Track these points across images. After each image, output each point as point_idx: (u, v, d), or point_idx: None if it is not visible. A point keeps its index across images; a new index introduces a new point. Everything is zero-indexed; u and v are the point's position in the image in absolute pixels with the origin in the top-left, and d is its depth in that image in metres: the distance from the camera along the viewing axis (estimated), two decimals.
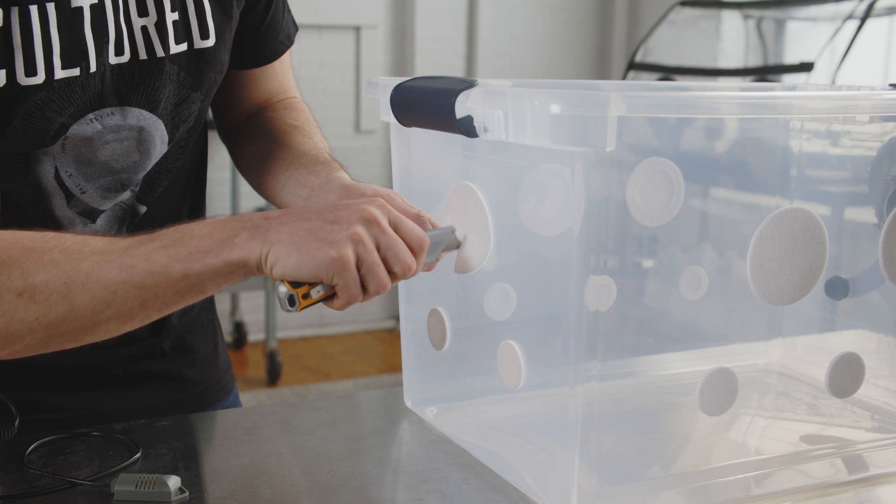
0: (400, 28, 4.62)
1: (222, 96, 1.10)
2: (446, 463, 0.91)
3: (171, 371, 1.10)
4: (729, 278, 0.86)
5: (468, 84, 0.80)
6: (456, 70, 4.64)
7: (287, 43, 1.10)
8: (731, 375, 0.82)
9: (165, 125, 0.96)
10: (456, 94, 0.80)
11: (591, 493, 0.79)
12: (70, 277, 0.73)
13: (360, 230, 0.73)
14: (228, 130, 1.13)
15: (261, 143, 1.05)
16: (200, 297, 0.76)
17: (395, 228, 0.76)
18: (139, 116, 0.93)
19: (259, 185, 1.05)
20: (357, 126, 4.57)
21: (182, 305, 0.76)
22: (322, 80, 4.45)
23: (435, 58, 4.60)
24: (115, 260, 0.74)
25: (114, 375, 1.05)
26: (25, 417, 0.97)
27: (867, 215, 0.92)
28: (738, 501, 0.84)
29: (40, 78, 0.85)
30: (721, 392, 0.82)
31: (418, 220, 0.84)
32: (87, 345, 1.02)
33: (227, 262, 0.73)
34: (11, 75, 0.83)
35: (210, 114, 1.11)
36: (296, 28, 1.12)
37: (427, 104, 0.84)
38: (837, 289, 0.93)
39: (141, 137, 0.94)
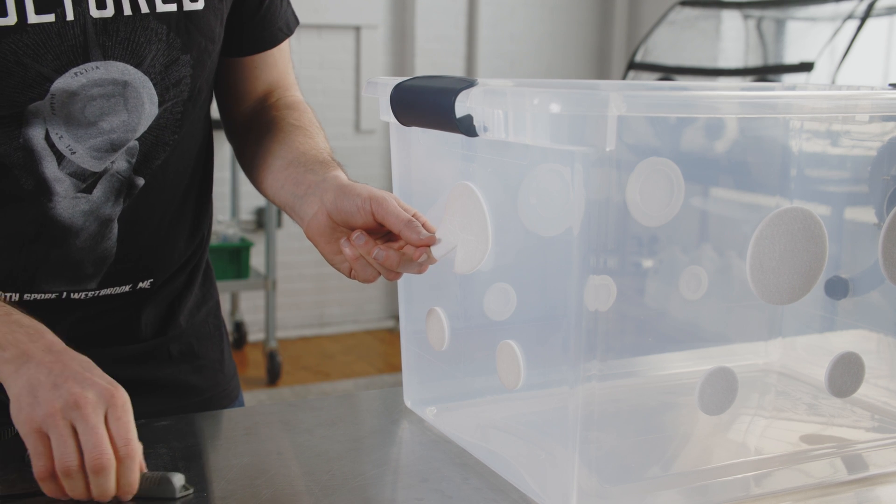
0: (400, 28, 4.63)
1: (224, 89, 1.10)
2: (446, 463, 0.91)
3: (176, 378, 1.10)
4: (729, 278, 0.86)
5: (468, 83, 0.80)
6: (456, 70, 4.65)
7: (286, 31, 1.11)
8: (731, 375, 0.82)
9: (155, 85, 0.96)
10: (456, 93, 0.80)
11: (591, 492, 0.79)
12: None
13: (58, 411, 0.76)
14: (234, 130, 1.14)
15: (263, 142, 1.06)
16: None
17: (106, 421, 0.77)
18: (123, 71, 0.93)
19: (260, 184, 1.05)
20: (357, 126, 4.57)
21: None
22: (322, 80, 4.45)
23: (435, 58, 4.60)
24: None
25: (119, 379, 1.05)
26: None
27: (867, 215, 0.92)
28: (737, 501, 0.84)
29: (12, 19, 0.86)
30: (721, 392, 0.82)
31: (410, 225, 0.84)
32: (91, 340, 1.03)
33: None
34: None
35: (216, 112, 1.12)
36: (296, 20, 1.13)
37: (427, 103, 0.84)
38: (837, 288, 0.93)
39: (127, 94, 0.95)
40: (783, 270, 0.83)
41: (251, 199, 4.36)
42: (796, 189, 0.97)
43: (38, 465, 0.77)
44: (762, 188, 0.95)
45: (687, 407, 0.88)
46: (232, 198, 4.32)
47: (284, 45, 1.12)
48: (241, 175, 4.22)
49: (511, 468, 0.87)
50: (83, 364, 0.80)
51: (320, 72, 4.45)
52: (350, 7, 4.45)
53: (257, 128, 1.09)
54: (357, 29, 4.51)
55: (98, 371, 0.81)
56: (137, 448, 0.78)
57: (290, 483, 0.86)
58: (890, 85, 0.95)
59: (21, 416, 0.77)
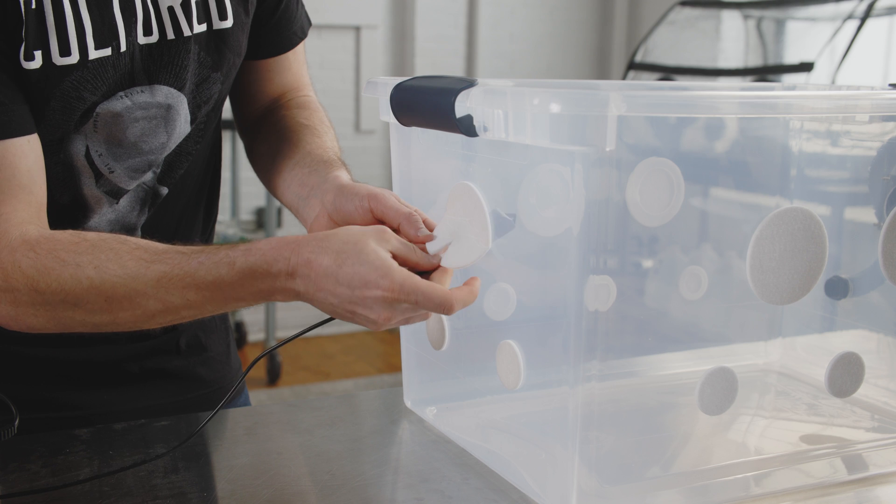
0: (400, 28, 4.62)
1: (239, 90, 1.11)
2: (446, 463, 0.91)
3: (185, 370, 1.11)
4: (729, 278, 0.86)
5: (468, 83, 0.80)
6: (456, 70, 4.64)
7: (301, 35, 1.12)
8: (731, 375, 0.82)
9: (189, 104, 0.98)
10: (456, 93, 0.80)
11: (591, 492, 0.79)
12: (109, 297, 0.80)
13: (384, 312, 0.77)
14: (246, 128, 1.15)
15: (272, 142, 1.07)
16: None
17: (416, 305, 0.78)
18: (167, 94, 0.95)
19: (269, 184, 1.06)
20: (357, 126, 4.57)
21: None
22: (322, 80, 4.45)
23: (435, 58, 4.60)
24: (150, 293, 0.80)
25: (129, 373, 1.07)
26: (39, 416, 0.99)
27: (867, 215, 0.92)
28: (737, 501, 0.84)
29: (74, 58, 0.87)
30: (721, 392, 0.82)
31: (410, 219, 0.84)
32: (104, 338, 1.04)
33: (263, 302, 0.81)
34: (47, 56, 0.85)
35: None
36: (309, 22, 1.14)
37: (427, 103, 0.84)
38: (837, 289, 0.93)
39: (168, 116, 0.96)
40: (783, 270, 0.83)
41: (251, 199, 4.36)
42: (796, 189, 0.97)
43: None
44: (762, 188, 0.95)
45: (687, 407, 0.88)
46: (232, 198, 4.32)
47: (299, 47, 1.13)
48: (242, 175, 4.22)
49: (511, 468, 0.87)
50: (343, 276, 0.76)
51: (320, 72, 4.44)
52: (350, 7, 4.45)
53: (267, 127, 1.10)
54: (357, 29, 4.51)
55: (356, 262, 0.76)
56: (451, 302, 0.77)
57: (290, 483, 0.86)
58: (890, 85, 0.95)
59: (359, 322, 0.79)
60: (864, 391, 0.92)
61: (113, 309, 0.80)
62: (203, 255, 0.80)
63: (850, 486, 0.88)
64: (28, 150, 0.86)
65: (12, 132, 0.84)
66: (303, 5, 1.13)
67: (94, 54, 0.88)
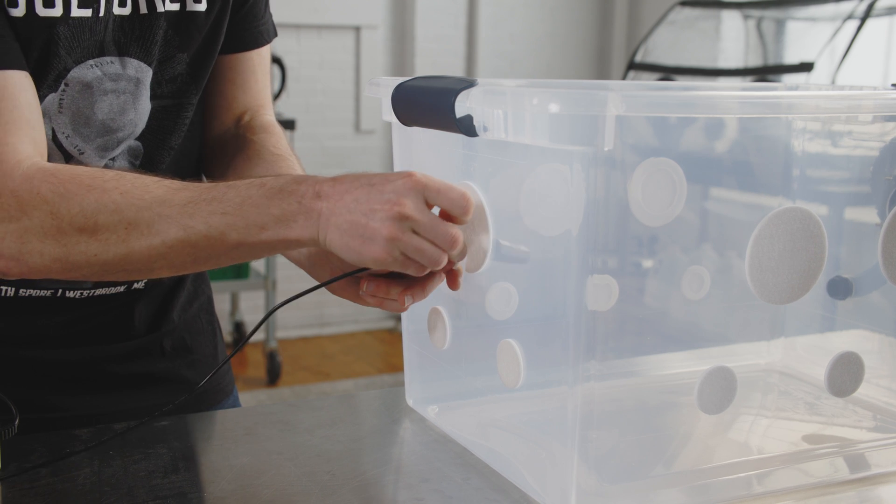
0: (400, 28, 4.62)
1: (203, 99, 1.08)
2: (447, 462, 0.91)
3: (170, 372, 1.10)
4: (730, 278, 0.86)
5: (468, 83, 0.80)
6: (456, 70, 4.65)
7: (267, 37, 1.10)
8: (730, 374, 0.82)
9: (150, 81, 0.97)
10: (456, 93, 0.80)
11: (591, 491, 0.79)
12: (130, 224, 0.78)
13: (393, 228, 0.76)
14: (204, 147, 1.11)
15: (241, 168, 1.04)
16: (253, 259, 0.83)
17: (434, 201, 0.78)
18: (137, 68, 0.95)
19: None
20: (357, 126, 4.57)
21: (234, 263, 0.82)
22: (322, 80, 4.45)
23: (435, 58, 4.60)
24: (174, 216, 0.78)
25: (114, 375, 1.06)
26: (25, 417, 0.98)
27: (869, 215, 0.92)
28: (738, 500, 0.84)
29: (58, 11, 0.87)
30: (719, 391, 0.82)
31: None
32: (86, 339, 1.03)
33: (283, 240, 0.78)
34: (30, 5, 0.85)
35: None
36: (275, 32, 1.12)
37: (427, 103, 0.84)
38: (840, 289, 0.93)
39: (137, 91, 0.96)
40: (782, 270, 0.83)
41: None
42: (799, 189, 0.97)
43: (414, 272, 0.80)
44: (764, 188, 0.95)
45: (688, 407, 0.88)
46: None
47: (264, 52, 1.10)
48: None
49: (511, 467, 0.87)
50: (356, 183, 0.78)
51: (320, 72, 4.45)
52: (350, 7, 4.45)
53: (233, 150, 1.07)
54: (357, 29, 4.51)
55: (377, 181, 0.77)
56: (470, 201, 0.78)
57: (290, 483, 0.86)
58: (893, 85, 0.95)
59: (367, 258, 0.77)
60: (865, 391, 0.91)
61: (131, 237, 0.78)
62: (234, 181, 0.80)
63: (851, 485, 0.88)
64: (27, 86, 0.85)
65: (11, 64, 0.84)
66: (271, 14, 1.11)
67: (76, 12, 0.88)
